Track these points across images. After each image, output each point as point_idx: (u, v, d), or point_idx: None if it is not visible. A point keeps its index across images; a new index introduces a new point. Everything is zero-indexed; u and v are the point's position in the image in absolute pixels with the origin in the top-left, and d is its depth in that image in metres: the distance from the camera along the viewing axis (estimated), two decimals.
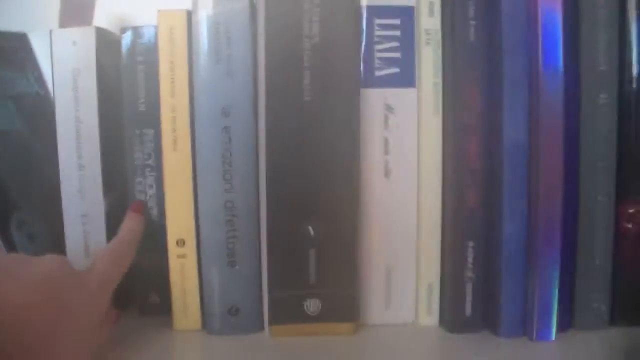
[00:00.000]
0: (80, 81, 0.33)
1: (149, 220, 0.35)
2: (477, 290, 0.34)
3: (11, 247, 0.33)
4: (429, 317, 0.35)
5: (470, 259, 0.33)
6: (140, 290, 0.36)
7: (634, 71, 0.33)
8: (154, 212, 0.35)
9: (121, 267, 0.31)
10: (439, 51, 0.33)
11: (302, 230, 0.32)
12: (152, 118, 0.33)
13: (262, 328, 0.34)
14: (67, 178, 0.34)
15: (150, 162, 0.34)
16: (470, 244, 0.33)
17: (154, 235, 0.34)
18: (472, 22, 0.32)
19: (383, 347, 0.33)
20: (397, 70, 0.33)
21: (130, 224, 0.33)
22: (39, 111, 0.35)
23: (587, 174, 0.33)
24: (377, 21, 0.33)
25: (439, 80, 0.33)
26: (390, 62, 0.33)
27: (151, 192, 0.34)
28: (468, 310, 0.34)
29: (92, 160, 0.33)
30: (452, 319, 0.34)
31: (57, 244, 0.34)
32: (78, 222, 0.34)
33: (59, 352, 0.25)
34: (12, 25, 0.37)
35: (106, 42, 0.34)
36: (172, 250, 0.33)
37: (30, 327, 0.24)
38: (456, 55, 0.32)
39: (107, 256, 0.30)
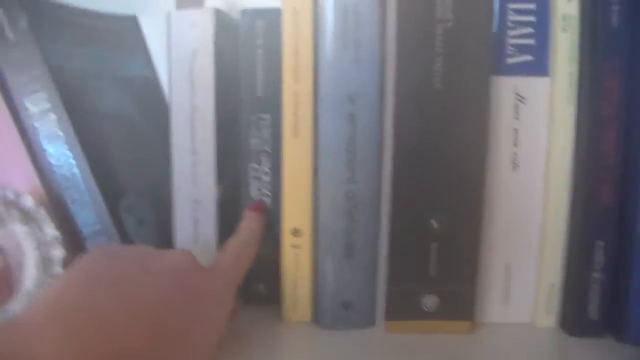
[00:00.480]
0: (197, 64, 0.32)
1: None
2: (603, 293, 0.32)
3: (121, 230, 0.33)
4: (548, 318, 0.33)
5: (598, 260, 0.32)
6: (248, 279, 0.35)
7: None
8: (268, 200, 0.34)
9: (243, 268, 0.30)
10: (576, 38, 0.31)
11: (425, 223, 0.31)
12: (269, 103, 0.32)
13: (374, 323, 0.33)
14: (180, 163, 0.33)
15: (266, 148, 0.33)
16: (600, 243, 0.31)
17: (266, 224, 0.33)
18: (615, 7, 0.30)
19: (500, 347, 0.32)
20: (530, 58, 0.31)
21: (251, 224, 0.32)
22: (147, 95, 0.34)
23: None
24: (511, 6, 0.31)
25: (574, 69, 0.31)
26: (523, 49, 0.31)
27: (266, 179, 0.33)
28: (592, 314, 0.32)
29: (206, 145, 0.32)
30: (574, 321, 0.32)
31: (165, 230, 0.34)
32: (188, 208, 0.33)
33: (193, 344, 0.24)
34: (123, 7, 0.36)
35: (224, 24, 0.32)
36: (287, 239, 0.32)
37: (167, 319, 0.23)
38: (596, 42, 0.30)
39: (230, 256, 0.30)
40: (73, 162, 0.32)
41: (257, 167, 0.33)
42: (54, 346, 0.19)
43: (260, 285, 0.35)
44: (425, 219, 0.31)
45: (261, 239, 0.32)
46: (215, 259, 0.29)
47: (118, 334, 0.21)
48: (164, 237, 0.34)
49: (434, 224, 0.31)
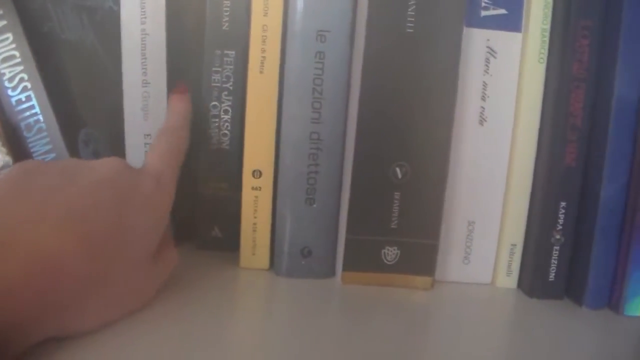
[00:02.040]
0: None
1: (218, 149, 0.32)
2: (563, 254, 0.32)
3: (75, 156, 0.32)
4: (508, 279, 0.33)
5: (560, 221, 0.31)
6: (202, 223, 0.34)
7: None
8: (226, 139, 0.33)
9: (177, 159, 0.28)
10: None
11: (389, 171, 0.30)
12: (235, 39, 0.31)
13: (333, 274, 0.32)
14: (131, 95, 0.31)
15: (228, 85, 0.32)
16: (563, 204, 0.31)
17: (223, 164, 0.32)
18: None
19: (458, 305, 0.31)
20: (504, 11, 0.31)
21: (177, 107, 0.30)
22: (110, 26, 0.33)
23: None
24: None
25: (548, 26, 0.31)
26: (498, 2, 0.31)
27: (226, 117, 0.32)
28: (551, 275, 0.32)
29: (157, 76, 0.31)
30: (533, 282, 0.32)
31: None
32: (140, 142, 0.32)
33: (123, 249, 0.23)
34: None
35: None
36: (247, 181, 0.31)
37: (95, 227, 0.22)
38: (571, 1, 0.30)
39: (160, 152, 0.28)
40: (29, 85, 0.30)
41: (217, 104, 0.32)
42: None
43: (216, 229, 0.33)
44: (390, 167, 0.30)
45: (211, 171, 0.31)
46: (145, 160, 0.28)
47: (42, 245, 0.20)
48: None
49: (398, 172, 0.30)
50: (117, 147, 0.33)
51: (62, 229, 0.21)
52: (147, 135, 0.32)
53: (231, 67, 0.32)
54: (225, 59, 0.32)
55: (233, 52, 0.31)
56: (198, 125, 0.32)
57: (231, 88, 0.32)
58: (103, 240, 0.22)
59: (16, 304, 0.19)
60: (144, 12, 0.31)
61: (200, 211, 0.34)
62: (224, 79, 0.32)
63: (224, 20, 0.31)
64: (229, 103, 0.32)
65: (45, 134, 0.31)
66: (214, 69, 0.32)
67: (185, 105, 0.31)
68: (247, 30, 0.30)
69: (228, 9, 0.31)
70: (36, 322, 0.20)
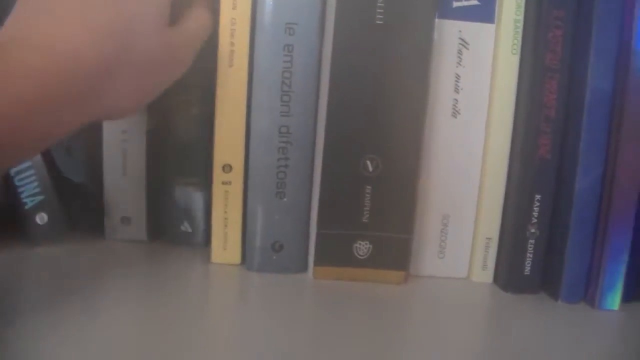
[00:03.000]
0: None
1: (187, 145, 0.32)
2: (539, 248, 0.31)
3: (48, 160, 0.31)
4: (483, 273, 0.33)
5: (535, 214, 0.31)
6: (172, 219, 0.34)
7: None
8: (194, 134, 0.32)
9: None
10: None
11: (359, 165, 0.30)
12: None
13: (305, 269, 0.32)
14: None
15: (197, 79, 0.31)
16: (537, 197, 0.31)
17: (191, 159, 0.32)
18: None
19: (432, 300, 0.31)
20: (476, 3, 0.30)
21: None
22: None
23: None
24: None
25: (521, 17, 0.30)
26: None
27: (194, 111, 0.32)
28: (527, 269, 0.31)
29: None
30: (509, 277, 0.32)
31: (94, 160, 0.32)
32: (117, 139, 0.32)
33: (131, 23, 0.24)
34: None
35: None
36: (217, 175, 0.31)
37: (98, 13, 0.23)
38: None
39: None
40: None
41: (185, 98, 0.32)
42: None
43: (186, 224, 0.33)
44: (360, 160, 0.30)
45: (180, 166, 0.31)
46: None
47: (49, 40, 0.22)
48: (92, 167, 0.32)
49: (369, 165, 0.30)
50: (91, 143, 0.33)
51: (72, 24, 0.23)
52: (124, 131, 0.32)
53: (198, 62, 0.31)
54: None
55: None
56: (166, 119, 0.32)
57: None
58: (111, 23, 0.23)
59: (46, 91, 0.21)
60: None
61: (171, 206, 0.33)
62: (192, 73, 0.31)
63: None
64: (196, 97, 0.32)
65: None
66: None
67: None
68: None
69: None
70: (67, 105, 0.22)
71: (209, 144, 0.31)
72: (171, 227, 0.34)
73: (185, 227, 0.33)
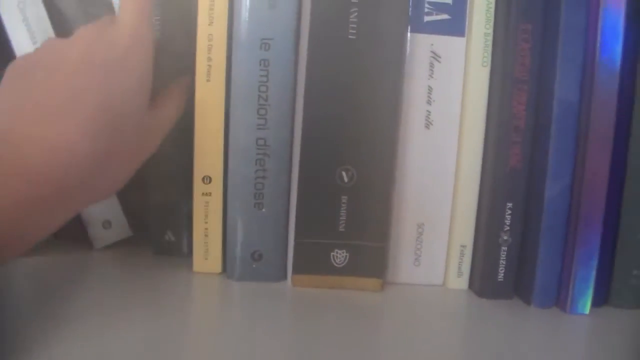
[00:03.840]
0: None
1: (167, 155, 0.32)
2: (511, 255, 0.32)
3: None
4: (459, 280, 0.33)
5: (507, 222, 0.32)
6: (155, 228, 0.34)
7: None
8: (173, 144, 0.32)
9: (147, 5, 0.27)
10: (493, 0, 0.31)
11: (335, 176, 0.31)
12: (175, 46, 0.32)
13: (285, 277, 0.33)
14: None
15: None
16: (509, 205, 0.32)
17: (173, 170, 0.33)
18: None
19: (408, 307, 0.31)
20: (447, 17, 0.31)
21: None
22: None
23: (637, 142, 0.31)
24: None
25: (490, 30, 0.31)
26: (440, 7, 0.31)
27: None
28: (500, 276, 0.32)
29: None
30: (483, 283, 0.33)
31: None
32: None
33: (119, 113, 0.24)
34: None
35: None
36: (198, 187, 0.31)
37: (89, 106, 0.23)
38: (511, 5, 0.30)
39: (128, 3, 0.27)
40: None
41: None
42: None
43: (169, 233, 0.34)
44: (335, 171, 0.31)
45: (162, 178, 0.32)
46: (118, 14, 0.27)
47: (52, 137, 0.22)
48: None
49: (344, 176, 0.31)
50: None
51: (62, 117, 0.23)
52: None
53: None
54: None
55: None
56: None
57: None
58: (98, 113, 0.23)
59: (40, 191, 0.21)
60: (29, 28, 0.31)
61: (154, 216, 0.34)
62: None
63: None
64: None
65: None
66: None
67: None
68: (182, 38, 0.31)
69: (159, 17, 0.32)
70: (60, 201, 0.22)
71: (188, 156, 0.32)
72: (154, 236, 0.34)
73: (169, 236, 0.34)
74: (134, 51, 0.26)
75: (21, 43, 0.32)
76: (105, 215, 0.35)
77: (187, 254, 0.33)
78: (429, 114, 0.32)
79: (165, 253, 0.34)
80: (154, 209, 0.34)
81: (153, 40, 0.28)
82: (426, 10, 0.31)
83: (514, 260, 0.32)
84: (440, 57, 0.32)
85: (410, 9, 0.31)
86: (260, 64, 0.30)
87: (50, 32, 0.32)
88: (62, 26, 0.33)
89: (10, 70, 0.25)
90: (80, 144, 0.22)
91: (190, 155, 0.32)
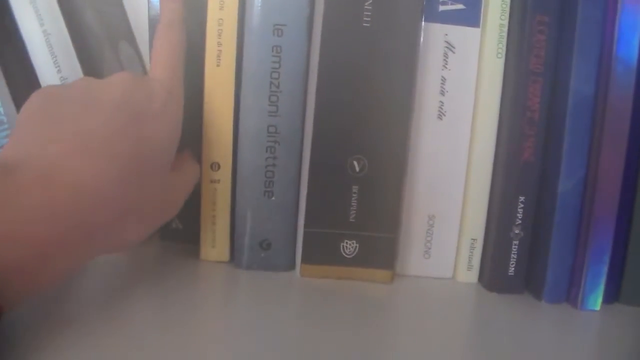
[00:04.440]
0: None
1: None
2: (523, 249, 0.32)
3: None
4: (469, 274, 0.33)
5: (519, 215, 0.31)
6: None
7: None
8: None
9: (181, 59, 0.28)
10: None
11: (347, 165, 0.30)
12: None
13: (293, 267, 0.32)
14: None
15: None
16: (521, 198, 0.31)
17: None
18: None
19: (417, 299, 0.31)
20: (462, 7, 0.31)
21: (168, 4, 0.29)
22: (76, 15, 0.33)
23: None
24: None
25: (505, 21, 0.31)
26: None
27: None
28: (511, 270, 0.32)
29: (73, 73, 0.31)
30: (493, 277, 0.32)
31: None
32: None
33: (147, 164, 0.24)
34: None
35: None
36: (206, 174, 0.31)
37: (120, 148, 0.23)
38: None
39: (162, 57, 0.28)
40: None
41: None
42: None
43: (176, 221, 0.34)
44: (347, 160, 0.30)
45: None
46: (151, 68, 0.28)
47: (79, 175, 0.21)
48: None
49: (356, 165, 0.30)
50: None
51: (94, 157, 0.22)
52: None
53: None
54: None
55: None
56: None
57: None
58: (129, 160, 0.23)
59: (62, 230, 0.20)
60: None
61: None
62: None
63: None
64: None
65: (6, 126, 0.31)
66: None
67: (176, 3, 0.30)
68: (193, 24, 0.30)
69: None
70: (81, 244, 0.22)
71: (196, 142, 0.31)
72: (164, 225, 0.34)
73: (176, 224, 0.34)
74: (169, 106, 0.26)
75: (30, 29, 0.32)
76: None
77: (194, 242, 0.33)
78: (442, 105, 0.32)
79: (171, 240, 0.34)
80: None
81: (182, 94, 0.28)
82: None
83: (525, 254, 0.32)
84: (454, 48, 0.31)
85: None
86: (272, 50, 0.29)
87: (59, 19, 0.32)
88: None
89: (40, 97, 0.24)
90: (109, 187, 0.22)
91: (199, 142, 0.31)
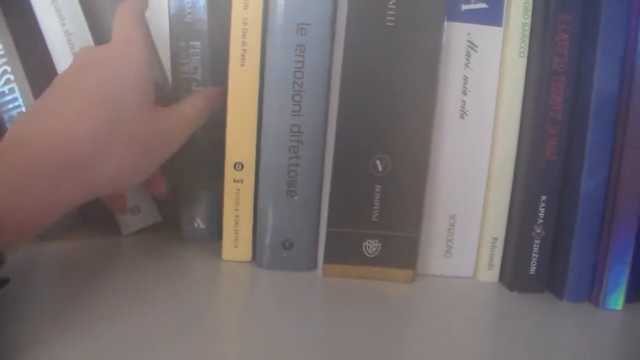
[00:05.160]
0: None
1: (195, 143, 0.32)
2: (544, 248, 0.32)
3: None
4: (490, 273, 0.33)
5: (541, 215, 0.31)
6: (185, 215, 0.34)
7: None
8: (202, 131, 0.32)
9: (138, 14, 0.30)
10: None
11: (369, 165, 0.30)
12: (198, 31, 0.32)
13: (315, 267, 0.32)
14: None
15: (196, 76, 0.32)
16: (544, 198, 0.31)
17: (203, 156, 0.33)
18: None
19: (439, 299, 0.31)
20: (484, 6, 0.31)
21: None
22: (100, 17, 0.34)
23: None
24: None
25: (528, 20, 0.31)
26: None
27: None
28: (532, 269, 0.32)
29: None
30: (515, 276, 0.32)
31: None
32: None
33: (118, 103, 0.26)
34: None
35: None
36: (229, 173, 0.31)
37: (83, 90, 0.26)
38: None
39: (121, 16, 0.30)
40: (12, 77, 0.31)
41: (187, 95, 0.32)
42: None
43: (198, 220, 0.34)
44: (370, 160, 0.30)
45: (192, 165, 0.32)
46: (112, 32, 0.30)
47: (56, 119, 0.25)
48: None
49: (379, 165, 0.30)
50: None
51: (64, 111, 0.26)
52: None
53: (198, 57, 0.32)
54: (191, 50, 0.32)
55: (198, 43, 0.32)
56: None
57: (199, 79, 0.32)
58: (97, 105, 0.26)
59: (39, 165, 0.24)
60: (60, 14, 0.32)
61: (183, 202, 0.34)
62: (191, 70, 0.32)
63: (187, 12, 0.32)
64: None
65: None
66: (180, 61, 0.32)
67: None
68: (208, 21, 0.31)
69: (190, 2, 0.32)
70: (63, 179, 0.24)
71: (219, 142, 0.31)
72: (184, 223, 0.34)
73: (198, 223, 0.34)
74: (127, 49, 0.28)
75: (51, 29, 0.32)
76: (134, 201, 0.34)
77: (216, 241, 0.33)
78: (464, 104, 0.32)
79: (193, 239, 0.34)
80: (183, 196, 0.33)
81: (148, 40, 0.30)
82: None
83: (547, 253, 0.32)
84: (477, 47, 0.31)
85: None
86: (296, 50, 0.29)
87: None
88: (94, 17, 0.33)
89: (76, 63, 0.29)
90: (79, 127, 0.25)
91: (221, 141, 0.31)
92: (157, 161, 0.29)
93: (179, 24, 0.32)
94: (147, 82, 0.28)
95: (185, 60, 0.32)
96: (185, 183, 0.34)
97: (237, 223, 0.32)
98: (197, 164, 0.34)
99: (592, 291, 0.31)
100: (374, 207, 0.31)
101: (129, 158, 0.27)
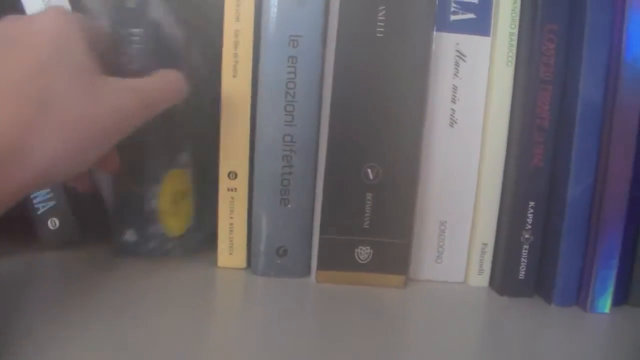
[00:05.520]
0: None
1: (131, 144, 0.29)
2: (533, 253, 0.32)
3: None
4: (480, 278, 0.34)
5: (530, 220, 0.32)
6: (114, 226, 0.33)
7: None
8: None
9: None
10: (519, 0, 0.32)
11: (361, 173, 0.31)
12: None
13: (308, 273, 0.33)
14: None
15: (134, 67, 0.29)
16: (532, 204, 0.32)
17: (136, 161, 0.31)
18: None
19: (431, 304, 0.32)
20: (473, 16, 0.32)
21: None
22: None
23: None
24: None
25: (515, 30, 0.32)
26: (466, 7, 0.31)
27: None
28: (522, 274, 0.33)
29: None
30: (504, 281, 0.33)
31: None
32: None
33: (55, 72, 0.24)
34: None
35: None
36: (223, 182, 0.32)
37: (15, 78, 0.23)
38: (537, 5, 0.31)
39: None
40: None
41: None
42: None
43: (129, 232, 0.33)
44: (361, 169, 0.31)
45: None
46: None
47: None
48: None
49: (370, 173, 0.31)
50: None
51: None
52: None
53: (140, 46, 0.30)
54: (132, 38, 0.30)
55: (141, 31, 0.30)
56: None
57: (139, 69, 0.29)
58: (18, 81, 0.23)
59: None
60: None
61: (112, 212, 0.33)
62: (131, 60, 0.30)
63: None
64: None
65: None
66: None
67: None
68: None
69: None
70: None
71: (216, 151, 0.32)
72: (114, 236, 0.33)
73: (129, 235, 0.33)
74: (40, 23, 0.25)
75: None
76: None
77: (153, 255, 0.32)
78: (454, 113, 0.32)
79: (125, 254, 0.33)
80: (113, 204, 0.32)
81: (67, 12, 0.27)
82: (452, 9, 0.31)
83: (535, 258, 0.32)
84: (465, 56, 0.32)
85: (437, 7, 0.31)
86: (288, 61, 0.30)
87: None
88: None
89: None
90: (3, 115, 0.22)
91: (217, 151, 0.32)
92: (108, 139, 0.26)
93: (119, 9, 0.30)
94: (73, 54, 0.25)
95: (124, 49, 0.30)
96: (117, 190, 0.32)
97: (231, 231, 0.32)
98: (130, 170, 0.32)
99: (580, 295, 0.32)
100: (366, 214, 0.31)
101: (70, 142, 0.24)
